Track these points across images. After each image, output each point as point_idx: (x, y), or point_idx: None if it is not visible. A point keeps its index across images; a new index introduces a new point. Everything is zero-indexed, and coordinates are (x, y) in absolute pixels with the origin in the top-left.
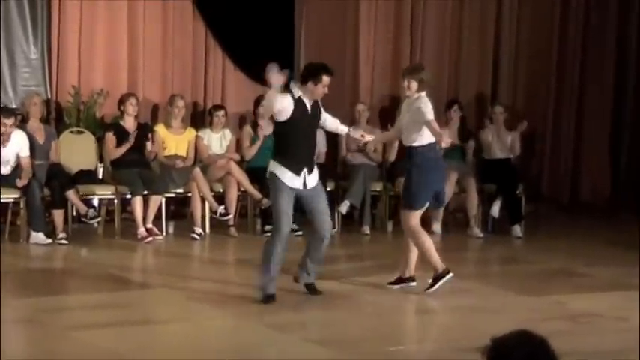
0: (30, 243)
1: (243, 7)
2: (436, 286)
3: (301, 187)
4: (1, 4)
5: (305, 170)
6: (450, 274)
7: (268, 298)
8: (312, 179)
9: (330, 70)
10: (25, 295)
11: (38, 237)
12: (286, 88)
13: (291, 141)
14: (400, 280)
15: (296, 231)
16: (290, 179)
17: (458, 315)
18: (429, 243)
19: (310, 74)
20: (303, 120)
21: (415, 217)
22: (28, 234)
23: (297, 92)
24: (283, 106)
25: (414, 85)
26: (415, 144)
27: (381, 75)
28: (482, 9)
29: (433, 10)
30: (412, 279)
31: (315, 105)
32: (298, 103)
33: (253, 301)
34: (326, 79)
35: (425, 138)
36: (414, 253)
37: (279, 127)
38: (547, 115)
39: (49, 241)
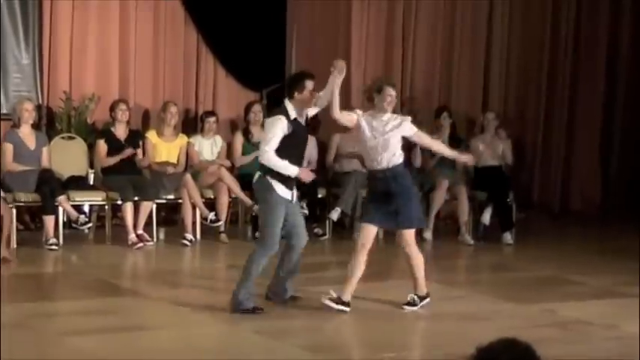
0: None
1: (234, 13)
2: (416, 308)
3: (291, 201)
4: None
5: (294, 185)
6: (428, 299)
7: (254, 310)
8: (295, 192)
9: (311, 74)
10: (15, 300)
11: None
12: (279, 106)
13: (287, 157)
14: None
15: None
16: (284, 193)
17: (448, 322)
18: (422, 260)
19: (293, 85)
20: (299, 137)
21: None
22: None
23: (292, 113)
24: (284, 132)
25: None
26: (399, 162)
27: (374, 76)
28: (474, 15)
29: (425, 15)
30: (427, 296)
31: (305, 119)
32: (294, 122)
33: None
34: (309, 83)
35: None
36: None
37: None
38: (538, 123)
39: None
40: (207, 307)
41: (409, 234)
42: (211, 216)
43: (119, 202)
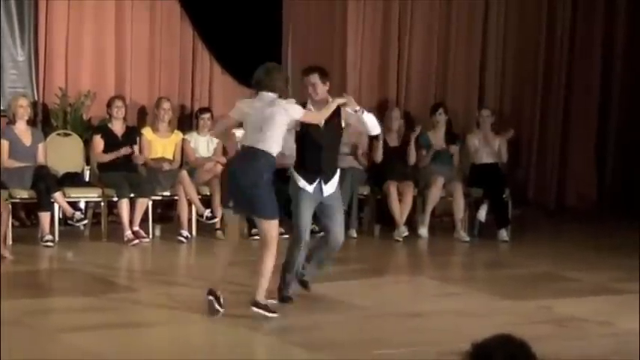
0: None
1: (230, 10)
2: (259, 311)
3: (318, 195)
4: None
5: (319, 179)
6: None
7: (287, 299)
8: (329, 188)
9: (308, 69)
10: (11, 297)
11: None
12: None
13: (302, 151)
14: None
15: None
16: (304, 185)
17: (444, 319)
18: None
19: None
20: (310, 130)
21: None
22: None
23: (309, 105)
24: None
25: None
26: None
27: (369, 77)
28: (469, 13)
29: (421, 14)
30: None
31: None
32: None
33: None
34: (307, 79)
35: None
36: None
37: (296, 138)
38: (533, 119)
39: None
40: (202, 304)
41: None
42: (207, 213)
43: (115, 199)
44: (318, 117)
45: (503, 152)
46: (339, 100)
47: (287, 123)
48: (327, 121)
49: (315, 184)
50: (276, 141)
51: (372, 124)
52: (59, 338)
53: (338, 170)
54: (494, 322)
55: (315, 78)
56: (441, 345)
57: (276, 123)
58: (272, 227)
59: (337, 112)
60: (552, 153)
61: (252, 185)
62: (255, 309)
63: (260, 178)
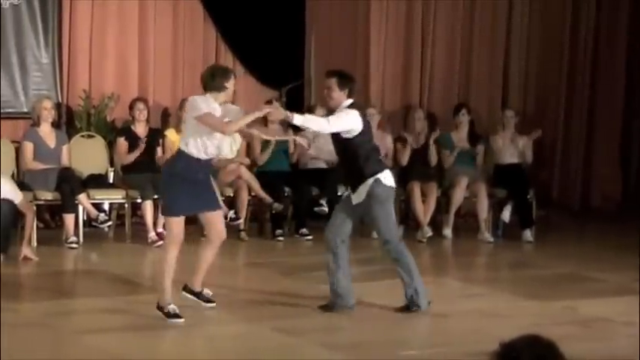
0: None
1: (253, 12)
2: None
3: (349, 202)
4: (9, 10)
5: (350, 186)
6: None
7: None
8: (356, 197)
9: (328, 72)
10: (35, 299)
11: None
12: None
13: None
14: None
15: (306, 235)
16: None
17: (468, 320)
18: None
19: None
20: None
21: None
22: None
23: (318, 109)
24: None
25: None
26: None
27: (392, 79)
28: (493, 14)
29: (444, 15)
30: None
31: None
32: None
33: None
34: (325, 82)
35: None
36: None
37: None
38: (558, 120)
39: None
40: (226, 306)
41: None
42: (231, 214)
43: (139, 201)
44: (218, 125)
45: (528, 153)
46: (258, 113)
47: (190, 120)
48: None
49: (350, 188)
50: (190, 139)
51: (313, 126)
52: (83, 340)
53: (365, 180)
54: (518, 322)
55: (331, 82)
56: (465, 346)
57: (186, 120)
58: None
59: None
60: (577, 153)
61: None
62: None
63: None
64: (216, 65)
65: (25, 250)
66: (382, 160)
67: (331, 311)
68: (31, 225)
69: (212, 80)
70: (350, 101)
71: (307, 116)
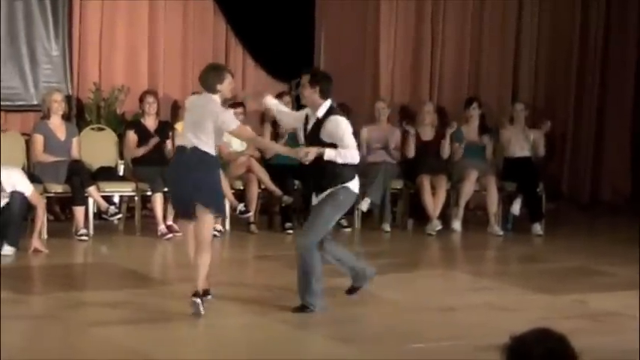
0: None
1: (263, 5)
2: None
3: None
4: (20, 2)
5: (317, 188)
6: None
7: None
8: (318, 199)
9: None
10: (45, 291)
11: (6, 249)
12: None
13: None
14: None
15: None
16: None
17: (477, 313)
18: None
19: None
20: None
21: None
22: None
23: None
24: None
25: None
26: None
27: (402, 73)
28: (503, 14)
29: (453, 15)
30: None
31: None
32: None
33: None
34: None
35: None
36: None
37: None
38: (568, 113)
39: (13, 251)
40: (235, 298)
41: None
42: (241, 207)
43: (149, 193)
44: (251, 138)
45: (539, 145)
46: (294, 152)
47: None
48: (309, 136)
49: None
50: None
51: (347, 160)
52: (93, 332)
53: (335, 185)
54: (527, 316)
55: (304, 79)
56: (474, 339)
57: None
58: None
59: (318, 126)
60: (586, 147)
61: None
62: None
63: None
64: (212, 65)
65: (36, 243)
66: (354, 169)
67: (359, 288)
68: (42, 217)
69: (206, 81)
70: (328, 103)
71: (338, 151)
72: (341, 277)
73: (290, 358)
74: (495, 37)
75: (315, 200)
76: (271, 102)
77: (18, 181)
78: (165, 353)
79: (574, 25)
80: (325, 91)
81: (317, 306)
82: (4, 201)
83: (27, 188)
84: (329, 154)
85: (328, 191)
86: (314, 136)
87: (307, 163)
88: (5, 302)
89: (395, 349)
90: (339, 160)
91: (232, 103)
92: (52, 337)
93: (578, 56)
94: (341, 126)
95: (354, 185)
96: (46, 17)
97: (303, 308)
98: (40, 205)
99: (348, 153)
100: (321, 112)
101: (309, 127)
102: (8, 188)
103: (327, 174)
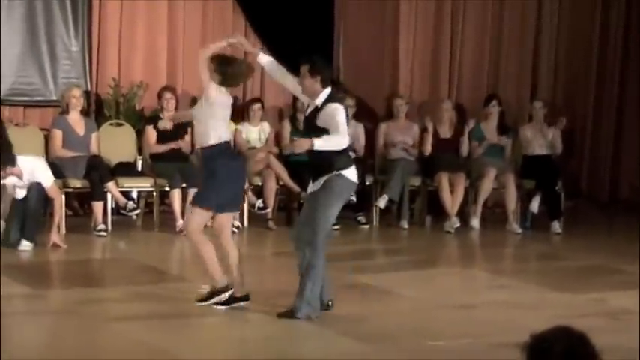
0: (18, 250)
1: (282, 1)
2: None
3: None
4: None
5: (313, 176)
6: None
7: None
8: (314, 186)
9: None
10: (64, 286)
11: (24, 244)
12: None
13: None
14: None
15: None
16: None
17: (496, 311)
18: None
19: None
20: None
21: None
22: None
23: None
24: None
25: None
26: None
27: (421, 70)
28: (522, 15)
29: (473, 14)
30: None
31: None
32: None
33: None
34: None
35: None
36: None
37: None
38: (587, 111)
39: (30, 246)
40: (253, 295)
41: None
42: (259, 203)
43: (167, 189)
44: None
45: (557, 143)
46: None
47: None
48: (305, 122)
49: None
50: None
51: (334, 145)
52: (111, 327)
53: (330, 173)
54: (546, 314)
55: (303, 69)
56: (492, 337)
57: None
58: None
59: (315, 114)
60: (606, 146)
61: None
62: None
63: None
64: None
65: (54, 237)
66: (351, 157)
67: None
68: (60, 211)
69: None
70: (328, 90)
71: (325, 138)
72: (357, 273)
73: (307, 355)
74: (515, 37)
75: (310, 188)
76: (264, 59)
77: (38, 171)
78: (183, 348)
79: (594, 24)
80: (326, 79)
81: (303, 313)
82: (22, 193)
83: (47, 179)
84: (317, 144)
85: (323, 180)
86: (310, 123)
87: (297, 154)
88: (24, 298)
89: (412, 346)
90: (327, 147)
91: (251, 98)
92: (72, 331)
93: (598, 56)
94: (337, 112)
95: (349, 173)
96: (66, 15)
97: (290, 313)
98: (59, 198)
99: (335, 139)
100: (320, 100)
101: (307, 113)
102: (27, 177)
103: (322, 161)
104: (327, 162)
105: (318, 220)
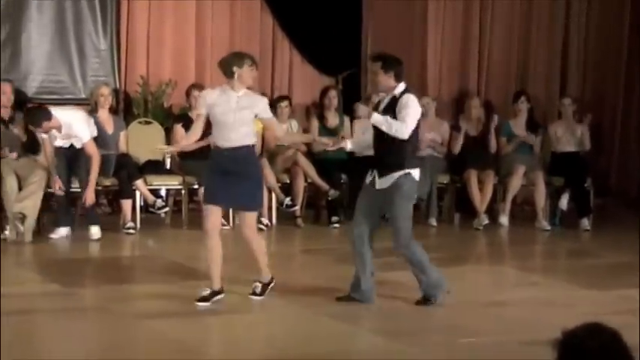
0: (54, 238)
1: (311, 0)
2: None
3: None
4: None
5: (379, 171)
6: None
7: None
8: (382, 182)
9: (371, 56)
10: (94, 283)
11: (60, 231)
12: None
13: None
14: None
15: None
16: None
17: (525, 308)
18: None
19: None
20: None
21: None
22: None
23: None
24: None
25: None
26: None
27: (449, 68)
28: (550, 14)
29: (501, 14)
30: (271, 281)
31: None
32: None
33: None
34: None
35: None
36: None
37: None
38: (616, 108)
39: (68, 232)
40: (282, 292)
41: (251, 217)
42: (287, 201)
43: (196, 187)
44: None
45: (586, 140)
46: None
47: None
48: (384, 112)
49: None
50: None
51: (391, 130)
52: (142, 324)
53: (399, 170)
54: (575, 311)
55: (376, 66)
56: (523, 334)
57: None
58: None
59: (393, 104)
60: (635, 143)
61: None
62: None
63: None
64: (234, 52)
65: (90, 194)
66: (417, 158)
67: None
68: (96, 168)
69: (223, 65)
70: (402, 86)
71: (387, 118)
72: (387, 271)
73: (336, 353)
74: (543, 37)
75: (378, 184)
76: (350, 145)
77: (77, 123)
78: (213, 346)
79: (622, 24)
80: (399, 74)
81: (438, 297)
82: (66, 143)
83: (85, 133)
84: (376, 118)
85: (391, 178)
86: (388, 112)
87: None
88: (54, 295)
89: (443, 343)
90: (384, 128)
91: (278, 96)
92: (103, 328)
93: (627, 55)
94: (411, 104)
95: (416, 173)
96: (94, 14)
97: (425, 301)
98: (96, 156)
99: (397, 125)
100: (398, 91)
101: (384, 106)
102: (65, 130)
103: (393, 157)
104: (399, 159)
105: (402, 226)
